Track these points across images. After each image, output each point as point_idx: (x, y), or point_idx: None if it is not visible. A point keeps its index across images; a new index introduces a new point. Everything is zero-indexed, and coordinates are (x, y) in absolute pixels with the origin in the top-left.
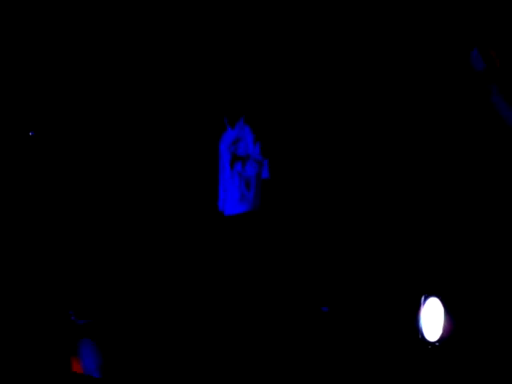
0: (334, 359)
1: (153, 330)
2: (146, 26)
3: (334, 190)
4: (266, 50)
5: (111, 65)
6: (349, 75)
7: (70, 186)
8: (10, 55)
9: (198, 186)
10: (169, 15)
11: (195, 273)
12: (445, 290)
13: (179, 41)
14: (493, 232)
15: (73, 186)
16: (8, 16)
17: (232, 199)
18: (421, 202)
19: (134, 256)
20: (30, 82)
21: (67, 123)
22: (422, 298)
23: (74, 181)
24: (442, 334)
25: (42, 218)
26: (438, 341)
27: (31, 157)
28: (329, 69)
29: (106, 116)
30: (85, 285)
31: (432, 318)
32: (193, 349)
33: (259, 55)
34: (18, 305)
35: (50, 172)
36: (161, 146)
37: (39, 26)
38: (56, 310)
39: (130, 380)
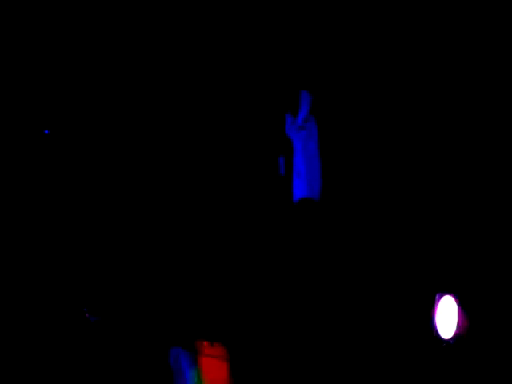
0: (350, 356)
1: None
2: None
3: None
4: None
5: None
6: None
7: (91, 182)
8: (24, 55)
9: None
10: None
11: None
12: (459, 287)
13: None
14: (507, 230)
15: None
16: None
17: (301, 183)
18: (437, 200)
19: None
20: (45, 80)
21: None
22: (437, 296)
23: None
24: (457, 331)
25: (57, 216)
26: (453, 338)
27: (46, 155)
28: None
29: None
30: (100, 282)
31: (446, 316)
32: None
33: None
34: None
35: (68, 169)
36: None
37: (52, 27)
38: (71, 307)
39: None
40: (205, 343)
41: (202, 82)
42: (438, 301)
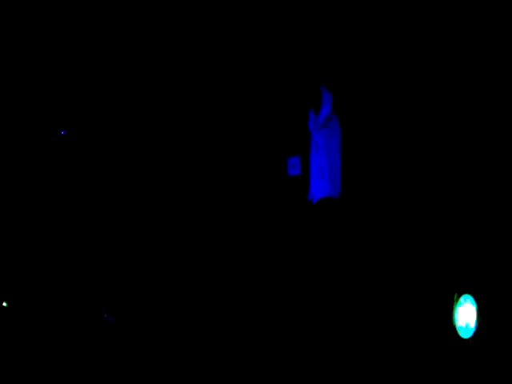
0: (373, 355)
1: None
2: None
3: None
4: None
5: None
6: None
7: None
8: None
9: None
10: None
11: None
12: (479, 287)
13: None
14: None
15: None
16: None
17: (324, 184)
18: (459, 201)
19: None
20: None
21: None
22: (456, 296)
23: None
24: (476, 331)
25: (76, 218)
26: (472, 338)
27: (64, 155)
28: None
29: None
30: (118, 283)
31: (466, 316)
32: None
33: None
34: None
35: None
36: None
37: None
38: (90, 308)
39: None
40: None
41: (225, 80)
42: (458, 301)
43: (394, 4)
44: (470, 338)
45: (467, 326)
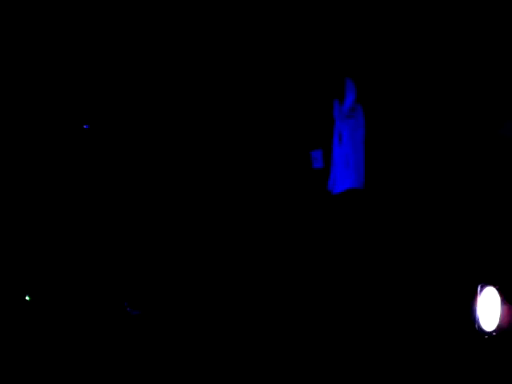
0: (392, 348)
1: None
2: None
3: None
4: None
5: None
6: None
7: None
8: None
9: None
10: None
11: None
12: (501, 279)
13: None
14: None
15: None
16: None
17: (349, 174)
18: (479, 193)
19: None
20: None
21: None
22: (479, 288)
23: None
24: (499, 323)
25: (103, 212)
26: (495, 331)
27: (87, 149)
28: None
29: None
30: (140, 277)
31: (489, 308)
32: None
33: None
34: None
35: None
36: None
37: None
38: (112, 301)
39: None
40: None
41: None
42: (480, 292)
43: None
44: (492, 331)
45: (490, 318)
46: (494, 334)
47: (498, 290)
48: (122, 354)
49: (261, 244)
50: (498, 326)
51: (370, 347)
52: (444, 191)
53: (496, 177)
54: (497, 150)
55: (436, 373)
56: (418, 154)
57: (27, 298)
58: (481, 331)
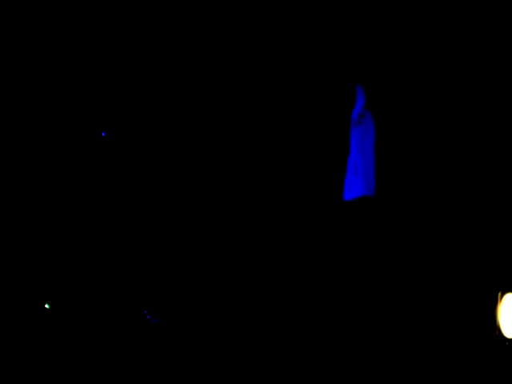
0: (413, 353)
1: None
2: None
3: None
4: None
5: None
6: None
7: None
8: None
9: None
10: None
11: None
12: None
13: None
14: None
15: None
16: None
17: (359, 182)
18: (499, 197)
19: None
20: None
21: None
22: (500, 294)
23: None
24: None
25: (118, 218)
26: None
27: (104, 156)
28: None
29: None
30: (160, 285)
31: (510, 314)
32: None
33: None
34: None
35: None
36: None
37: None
38: (131, 308)
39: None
40: None
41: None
42: (501, 299)
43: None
44: None
45: (510, 325)
46: None
47: None
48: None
49: (271, 250)
50: None
51: (392, 353)
52: (462, 197)
53: None
54: None
55: (457, 378)
56: (430, 160)
57: (46, 305)
58: (501, 338)
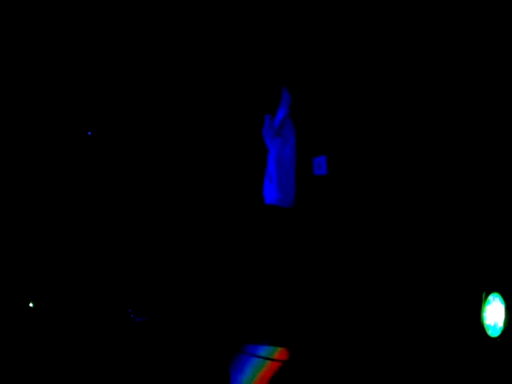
0: (399, 354)
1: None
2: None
3: (387, 189)
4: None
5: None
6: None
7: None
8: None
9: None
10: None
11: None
12: (506, 286)
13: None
14: None
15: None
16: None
17: (272, 189)
18: (484, 199)
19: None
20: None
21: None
22: (484, 294)
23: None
24: (504, 329)
25: (106, 219)
26: (500, 337)
27: (91, 155)
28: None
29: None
30: (144, 284)
31: (494, 314)
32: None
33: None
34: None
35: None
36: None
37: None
38: (116, 307)
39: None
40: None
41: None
42: (485, 299)
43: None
44: (498, 337)
45: (495, 324)
46: (499, 339)
47: (502, 296)
48: (126, 360)
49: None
50: (503, 332)
51: (378, 354)
52: (448, 197)
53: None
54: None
55: (442, 378)
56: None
57: (31, 304)
58: (486, 337)
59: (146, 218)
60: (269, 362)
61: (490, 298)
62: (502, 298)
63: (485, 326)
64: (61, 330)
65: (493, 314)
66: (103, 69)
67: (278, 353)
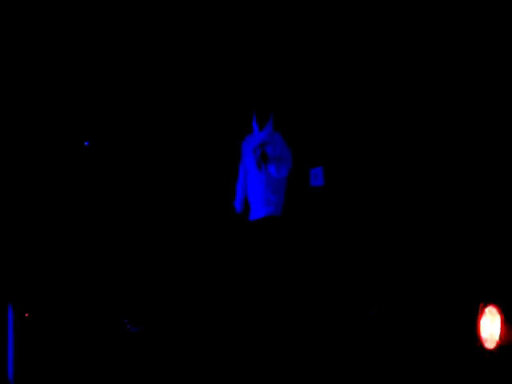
0: (393, 364)
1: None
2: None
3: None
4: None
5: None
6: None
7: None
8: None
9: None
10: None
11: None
12: (503, 297)
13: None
14: None
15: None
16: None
17: (257, 202)
18: (483, 211)
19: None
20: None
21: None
22: (481, 306)
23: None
24: (500, 341)
25: (101, 228)
26: (496, 348)
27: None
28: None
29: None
30: (140, 294)
31: (490, 326)
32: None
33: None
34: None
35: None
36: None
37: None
38: (112, 317)
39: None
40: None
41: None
42: (482, 311)
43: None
44: (494, 349)
45: (492, 336)
46: (495, 351)
47: (498, 309)
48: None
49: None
50: (499, 344)
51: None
52: (444, 210)
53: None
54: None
55: None
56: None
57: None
58: (482, 348)
59: (142, 228)
60: None
61: (487, 309)
62: (498, 310)
63: (481, 338)
64: (57, 340)
65: (489, 325)
66: (95, 79)
67: None
